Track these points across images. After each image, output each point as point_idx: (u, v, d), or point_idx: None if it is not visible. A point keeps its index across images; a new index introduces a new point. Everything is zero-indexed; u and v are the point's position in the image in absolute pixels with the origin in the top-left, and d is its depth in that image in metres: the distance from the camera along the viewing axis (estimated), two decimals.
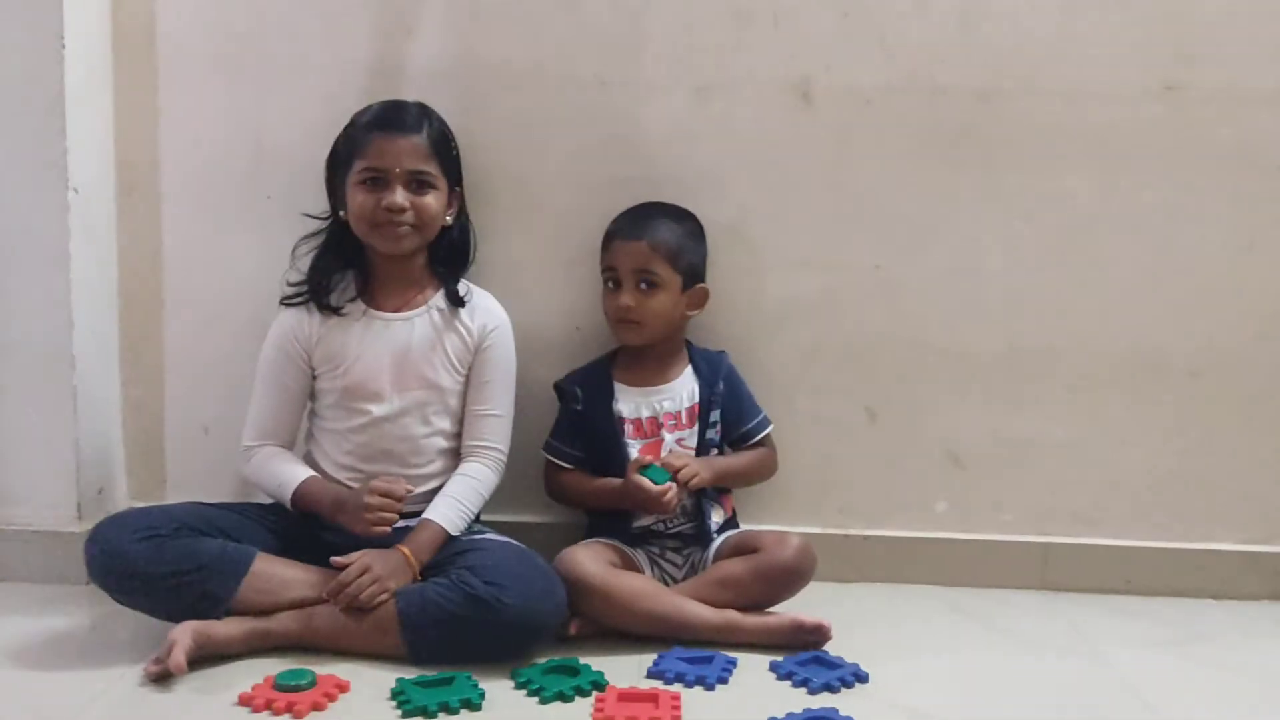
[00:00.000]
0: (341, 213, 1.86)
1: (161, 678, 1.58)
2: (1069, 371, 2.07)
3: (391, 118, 1.83)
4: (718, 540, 1.91)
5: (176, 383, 2.11)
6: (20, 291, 1.95)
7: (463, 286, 1.91)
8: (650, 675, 1.66)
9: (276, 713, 1.50)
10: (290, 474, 1.81)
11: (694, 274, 1.95)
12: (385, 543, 1.73)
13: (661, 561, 1.92)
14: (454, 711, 1.52)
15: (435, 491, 1.85)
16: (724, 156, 2.03)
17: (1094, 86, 2.00)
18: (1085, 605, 2.01)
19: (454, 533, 1.79)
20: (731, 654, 1.72)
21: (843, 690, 1.62)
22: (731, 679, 1.66)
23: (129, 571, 1.66)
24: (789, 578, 1.81)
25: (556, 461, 1.97)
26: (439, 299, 1.90)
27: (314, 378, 1.87)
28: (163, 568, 1.65)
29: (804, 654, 1.72)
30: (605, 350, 2.01)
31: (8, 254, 1.95)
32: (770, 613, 1.81)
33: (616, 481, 1.87)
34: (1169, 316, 2.05)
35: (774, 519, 2.00)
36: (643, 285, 1.89)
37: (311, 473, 1.83)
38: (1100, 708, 1.62)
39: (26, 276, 1.95)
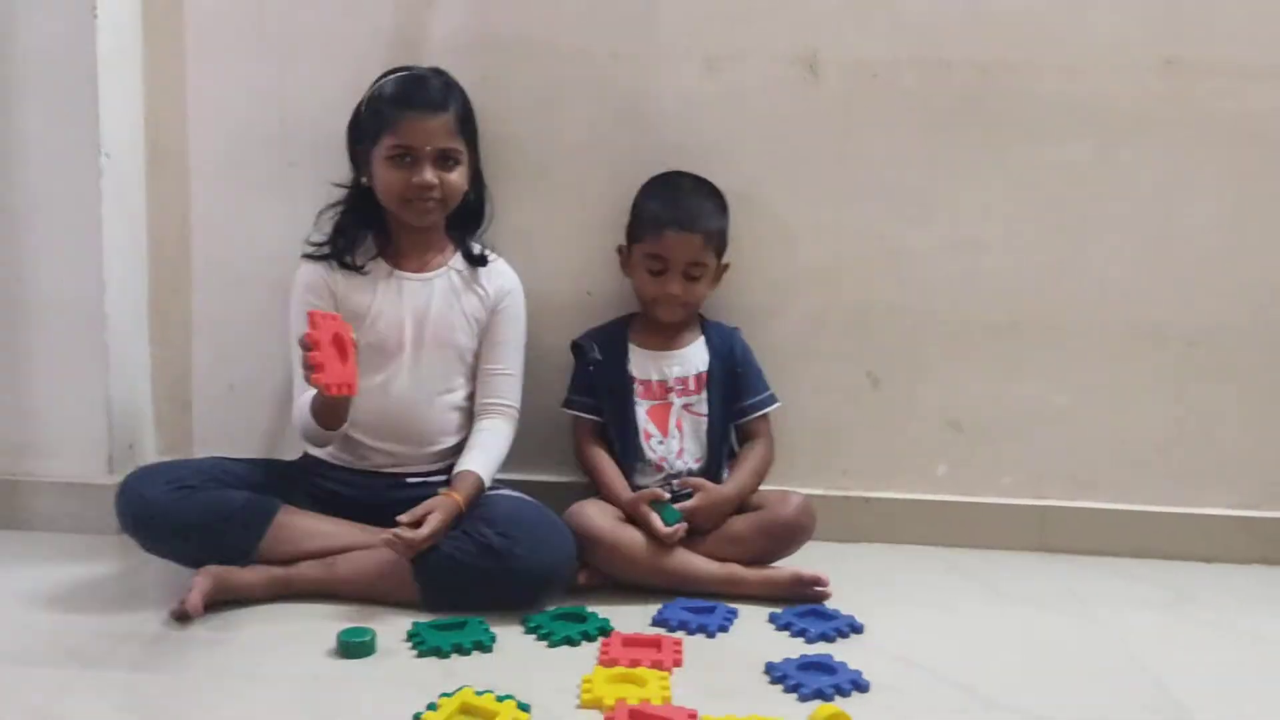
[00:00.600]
0: (364, 179, 1.90)
1: (182, 618, 1.65)
2: (1068, 340, 2.11)
3: (420, 95, 1.85)
4: None
5: (203, 343, 2.18)
6: (54, 253, 2.02)
7: (478, 249, 1.96)
8: (655, 623, 1.72)
9: None
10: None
11: (724, 252, 2.00)
12: (408, 498, 1.79)
13: None
14: (466, 653, 1.59)
15: (450, 450, 1.92)
16: (733, 128, 2.08)
17: (1096, 61, 2.04)
18: (1080, 566, 2.06)
19: (488, 482, 1.84)
20: (733, 605, 1.78)
21: (838, 640, 1.68)
22: (732, 628, 1.72)
23: (158, 522, 1.73)
24: (790, 533, 1.88)
25: (578, 415, 2.00)
26: (456, 260, 1.95)
27: None
28: (190, 518, 1.72)
29: (802, 606, 1.78)
30: (615, 314, 2.07)
31: (43, 217, 2.02)
32: (772, 567, 1.87)
33: (627, 495, 1.90)
34: (1167, 287, 2.09)
35: (779, 481, 2.04)
36: (693, 275, 1.94)
37: None
38: (1091, 663, 1.67)
39: (60, 239, 2.02)
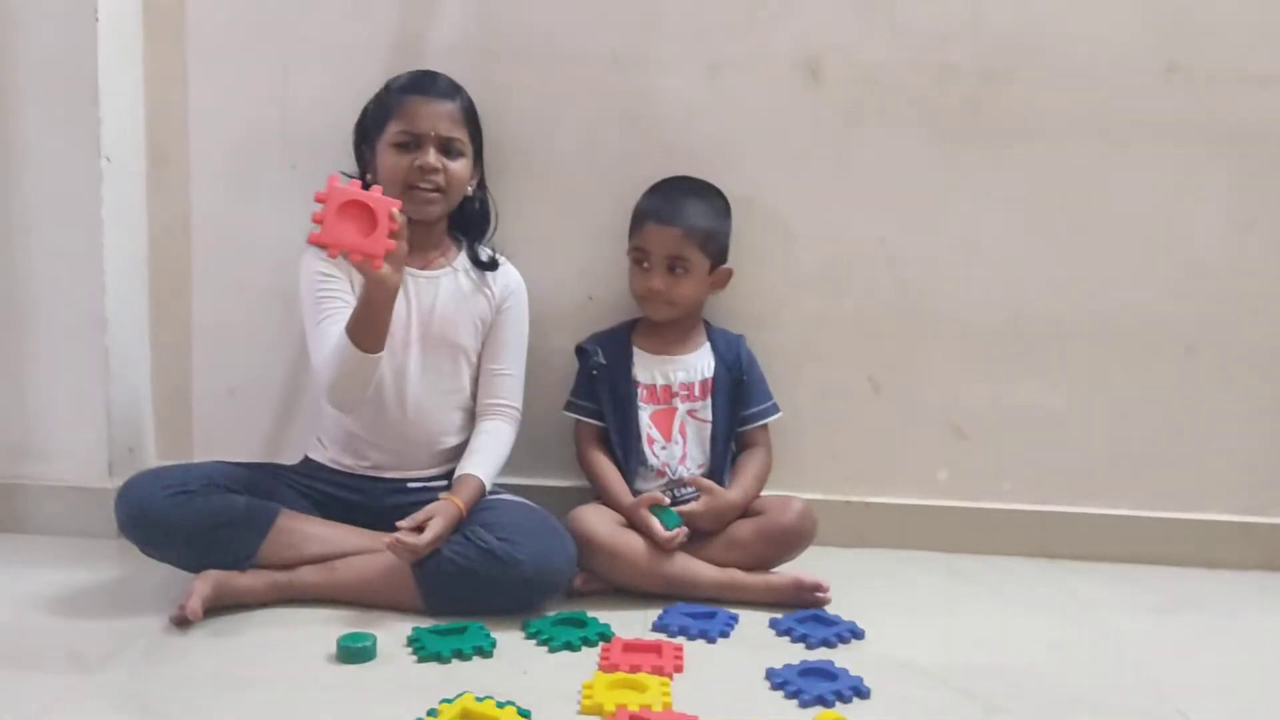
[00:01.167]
0: (369, 177, 1.89)
1: (181, 623, 1.65)
2: (1069, 345, 2.11)
3: (426, 83, 1.88)
4: None
5: (203, 346, 2.17)
6: (55, 257, 2.02)
7: (485, 253, 1.96)
8: (655, 629, 1.72)
9: None
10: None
11: (721, 256, 1.99)
12: (409, 503, 1.80)
13: None
14: (466, 658, 1.59)
15: (451, 449, 1.92)
16: (735, 132, 2.07)
17: (1097, 67, 2.04)
18: (1081, 572, 2.06)
19: (489, 485, 1.85)
20: (734, 610, 1.79)
21: (839, 645, 1.68)
22: (733, 633, 1.73)
23: (157, 526, 1.73)
24: (791, 539, 1.88)
25: (580, 419, 2.00)
26: (461, 260, 1.95)
27: None
28: (190, 523, 1.71)
29: (803, 611, 1.78)
30: (618, 319, 2.06)
31: (44, 220, 2.01)
32: (772, 573, 1.87)
33: (628, 499, 1.90)
34: (1168, 292, 2.09)
35: (780, 486, 2.03)
36: (675, 270, 1.94)
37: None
38: (1092, 668, 1.67)
39: (61, 242, 2.01)
